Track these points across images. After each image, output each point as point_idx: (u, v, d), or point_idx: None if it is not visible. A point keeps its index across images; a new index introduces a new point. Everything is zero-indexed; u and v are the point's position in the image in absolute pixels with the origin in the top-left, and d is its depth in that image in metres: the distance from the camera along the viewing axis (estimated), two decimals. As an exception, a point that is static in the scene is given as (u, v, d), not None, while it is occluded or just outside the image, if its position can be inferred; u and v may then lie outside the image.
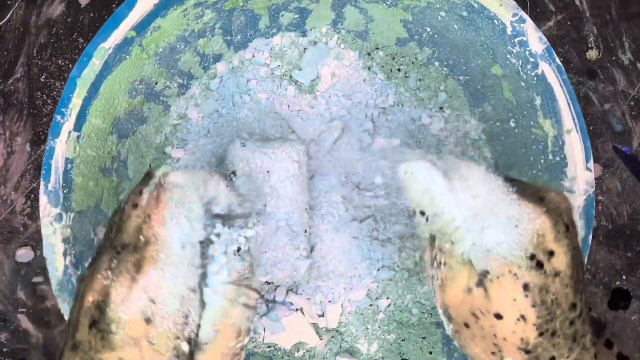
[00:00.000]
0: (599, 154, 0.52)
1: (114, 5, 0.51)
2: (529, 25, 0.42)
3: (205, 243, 0.32)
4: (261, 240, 0.42)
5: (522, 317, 0.30)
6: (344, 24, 0.48)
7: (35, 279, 0.49)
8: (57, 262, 0.40)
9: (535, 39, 0.42)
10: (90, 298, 0.30)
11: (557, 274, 0.30)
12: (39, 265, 0.49)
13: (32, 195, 0.49)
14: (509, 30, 0.42)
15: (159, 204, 0.31)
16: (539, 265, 0.30)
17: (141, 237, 0.31)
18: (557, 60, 0.42)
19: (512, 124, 0.46)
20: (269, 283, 0.42)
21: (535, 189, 0.33)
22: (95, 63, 0.40)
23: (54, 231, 0.40)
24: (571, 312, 0.31)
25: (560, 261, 0.30)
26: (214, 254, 0.32)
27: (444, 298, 0.33)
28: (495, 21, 0.42)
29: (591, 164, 0.42)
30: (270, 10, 0.46)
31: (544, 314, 0.30)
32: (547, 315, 0.30)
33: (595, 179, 0.49)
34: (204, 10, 0.44)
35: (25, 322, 0.49)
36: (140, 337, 0.30)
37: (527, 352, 0.30)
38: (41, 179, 0.40)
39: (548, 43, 0.42)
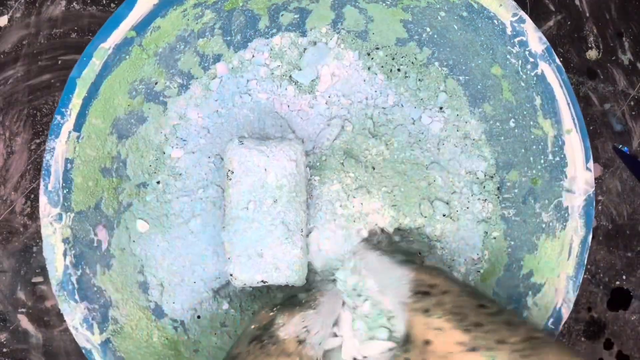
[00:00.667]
0: (599, 154, 0.52)
1: (113, 6, 0.51)
2: (529, 25, 0.42)
3: None
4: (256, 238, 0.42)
5: (438, 328, 0.35)
6: (343, 24, 0.48)
7: (35, 279, 0.49)
8: (57, 262, 0.40)
9: (535, 39, 0.42)
10: (252, 326, 0.41)
11: (445, 292, 0.37)
12: (39, 265, 0.49)
13: (32, 196, 0.49)
14: (508, 31, 0.42)
15: (323, 293, 0.44)
16: (425, 294, 0.38)
17: (304, 301, 0.43)
18: (557, 60, 0.42)
19: (512, 124, 0.46)
20: (264, 282, 0.42)
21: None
22: (95, 63, 0.40)
23: (54, 231, 0.40)
24: (483, 309, 0.36)
25: (444, 286, 0.38)
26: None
27: None
28: (495, 21, 0.42)
29: (591, 164, 0.42)
30: (270, 10, 0.46)
31: (453, 318, 0.35)
32: (457, 316, 0.36)
33: (595, 179, 0.49)
34: (203, 11, 0.44)
35: (25, 322, 0.49)
36: (293, 352, 0.38)
37: (473, 349, 0.34)
38: (41, 179, 0.40)
39: (548, 43, 0.42)
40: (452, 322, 0.35)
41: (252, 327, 0.41)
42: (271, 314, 0.42)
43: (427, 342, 0.36)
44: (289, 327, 0.40)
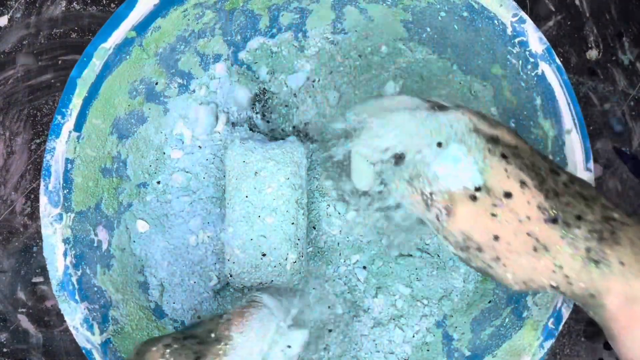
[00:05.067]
0: (599, 154, 0.52)
1: (114, 6, 0.51)
2: (529, 25, 0.42)
3: None
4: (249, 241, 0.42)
5: (522, 182, 0.30)
6: (343, 24, 0.48)
7: (35, 279, 0.49)
8: (57, 262, 0.40)
9: (535, 39, 0.42)
10: None
11: (515, 146, 0.31)
12: (39, 265, 0.49)
13: (32, 196, 0.49)
14: (509, 31, 0.42)
15: (245, 314, 0.34)
16: (494, 140, 0.31)
17: (212, 335, 0.33)
18: (557, 60, 0.42)
19: (512, 124, 0.46)
20: (262, 284, 0.42)
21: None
22: (96, 63, 0.40)
23: (54, 231, 0.40)
24: (556, 176, 0.31)
25: (508, 140, 0.31)
26: None
27: (460, 226, 0.31)
28: (496, 21, 0.42)
29: (591, 164, 0.42)
30: (270, 10, 0.46)
31: (533, 175, 0.30)
32: (537, 177, 0.30)
33: (595, 179, 0.49)
34: (204, 11, 0.44)
35: (25, 322, 0.49)
36: None
37: (553, 220, 0.29)
38: (41, 179, 0.40)
39: (548, 43, 0.42)
40: (534, 180, 0.30)
41: None
42: (166, 351, 0.32)
43: (507, 195, 0.30)
44: None
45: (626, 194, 0.52)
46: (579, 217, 0.30)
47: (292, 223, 0.42)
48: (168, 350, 0.31)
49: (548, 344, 0.41)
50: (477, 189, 0.30)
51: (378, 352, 0.47)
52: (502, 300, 0.45)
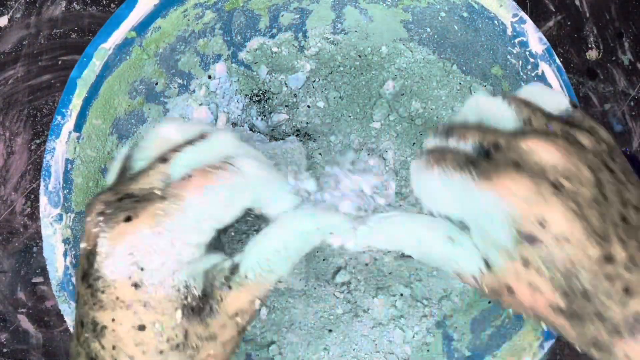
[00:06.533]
0: (599, 154, 0.52)
1: (114, 6, 0.51)
2: (529, 25, 0.42)
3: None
4: None
5: (534, 288, 0.27)
6: (343, 24, 0.48)
7: (35, 279, 0.49)
8: (57, 262, 0.40)
9: (535, 40, 0.42)
10: (82, 243, 0.27)
11: (564, 238, 0.26)
12: (39, 265, 0.49)
13: (32, 196, 0.49)
14: (509, 31, 0.42)
15: (208, 173, 0.28)
16: (532, 240, 0.26)
17: (157, 192, 0.27)
18: (557, 61, 0.42)
19: (512, 125, 0.46)
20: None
21: (512, 149, 0.28)
22: (96, 64, 0.40)
23: (54, 232, 0.40)
24: (605, 266, 0.26)
25: (560, 225, 0.26)
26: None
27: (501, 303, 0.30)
28: (496, 22, 0.42)
29: (591, 164, 0.42)
30: (270, 10, 0.46)
31: (561, 280, 0.26)
32: (566, 282, 0.26)
33: (595, 179, 0.49)
34: (204, 11, 0.44)
35: (25, 323, 0.49)
36: (132, 302, 0.26)
37: (562, 311, 0.27)
38: (41, 180, 0.40)
39: (548, 44, 0.42)
40: (555, 285, 0.26)
41: (82, 244, 0.27)
42: (99, 219, 0.26)
43: (510, 290, 0.28)
44: (115, 259, 0.26)
45: (626, 194, 0.52)
46: (599, 315, 0.26)
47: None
48: (102, 218, 0.26)
49: (548, 344, 0.41)
50: (475, 277, 0.29)
51: (378, 352, 0.47)
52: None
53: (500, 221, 0.27)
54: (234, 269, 0.29)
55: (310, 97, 0.49)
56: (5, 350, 0.49)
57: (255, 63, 0.49)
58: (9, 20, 0.50)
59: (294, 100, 0.49)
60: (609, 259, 0.26)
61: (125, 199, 0.27)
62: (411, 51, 0.48)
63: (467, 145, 0.30)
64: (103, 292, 0.26)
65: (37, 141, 0.50)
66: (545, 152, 0.27)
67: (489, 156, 0.28)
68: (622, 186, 0.27)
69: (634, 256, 0.26)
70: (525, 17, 0.42)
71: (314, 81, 0.49)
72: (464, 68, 0.47)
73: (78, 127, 0.41)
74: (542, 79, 0.42)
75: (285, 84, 0.49)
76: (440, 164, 0.29)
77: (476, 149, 0.29)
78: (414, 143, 0.48)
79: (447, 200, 0.29)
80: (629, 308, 0.25)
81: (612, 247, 0.26)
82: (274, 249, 0.29)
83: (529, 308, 0.28)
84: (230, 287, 0.28)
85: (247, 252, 0.29)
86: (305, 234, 0.30)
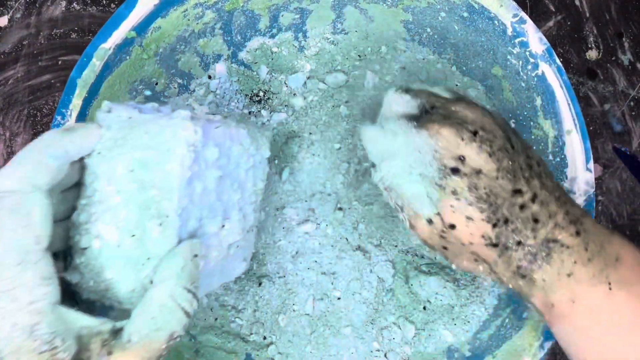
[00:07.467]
0: (599, 154, 0.52)
1: (114, 6, 0.51)
2: (529, 25, 0.42)
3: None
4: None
5: (468, 217, 0.33)
6: (344, 24, 0.48)
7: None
8: (57, 262, 0.40)
9: (535, 40, 0.42)
10: None
11: (479, 171, 0.33)
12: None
13: (32, 196, 0.49)
14: (509, 31, 0.42)
15: None
16: (454, 170, 0.33)
17: None
18: (558, 61, 0.42)
19: (512, 125, 0.46)
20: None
21: (445, 109, 0.35)
22: (96, 64, 0.40)
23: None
24: (516, 198, 0.33)
25: (475, 161, 0.33)
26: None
27: (419, 235, 0.36)
28: (496, 22, 0.42)
29: (591, 164, 0.42)
30: (270, 10, 0.46)
31: (485, 207, 0.32)
32: (489, 208, 0.32)
33: (595, 179, 0.49)
34: (204, 11, 0.44)
35: (25, 323, 0.49)
36: None
37: (494, 245, 0.33)
38: (41, 180, 0.40)
39: (548, 44, 0.42)
40: (485, 212, 0.32)
41: None
42: None
43: (452, 226, 0.33)
44: None
45: (626, 194, 0.52)
46: (519, 243, 0.33)
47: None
48: None
49: (548, 344, 0.41)
50: (430, 219, 0.34)
51: (378, 351, 0.47)
52: (502, 301, 0.45)
53: (429, 155, 0.33)
54: (116, 332, 0.27)
55: (310, 97, 0.49)
56: (5, 350, 0.49)
57: (255, 63, 0.49)
58: (9, 20, 0.50)
59: (294, 99, 0.49)
60: (518, 192, 0.33)
61: None
62: (411, 51, 0.48)
63: (415, 103, 0.36)
64: None
65: (37, 141, 0.50)
66: (468, 111, 0.34)
67: (427, 113, 0.36)
68: (525, 143, 0.35)
69: (537, 193, 0.33)
70: (526, 17, 0.42)
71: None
72: (464, 68, 0.47)
73: (78, 127, 0.41)
74: (542, 79, 0.42)
75: (285, 83, 0.49)
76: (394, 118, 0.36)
77: (420, 108, 0.36)
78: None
79: (392, 148, 0.35)
80: (539, 235, 0.32)
81: (519, 183, 0.33)
82: (158, 304, 0.27)
83: (468, 243, 0.33)
84: (110, 353, 0.26)
85: (132, 316, 0.27)
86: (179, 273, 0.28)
